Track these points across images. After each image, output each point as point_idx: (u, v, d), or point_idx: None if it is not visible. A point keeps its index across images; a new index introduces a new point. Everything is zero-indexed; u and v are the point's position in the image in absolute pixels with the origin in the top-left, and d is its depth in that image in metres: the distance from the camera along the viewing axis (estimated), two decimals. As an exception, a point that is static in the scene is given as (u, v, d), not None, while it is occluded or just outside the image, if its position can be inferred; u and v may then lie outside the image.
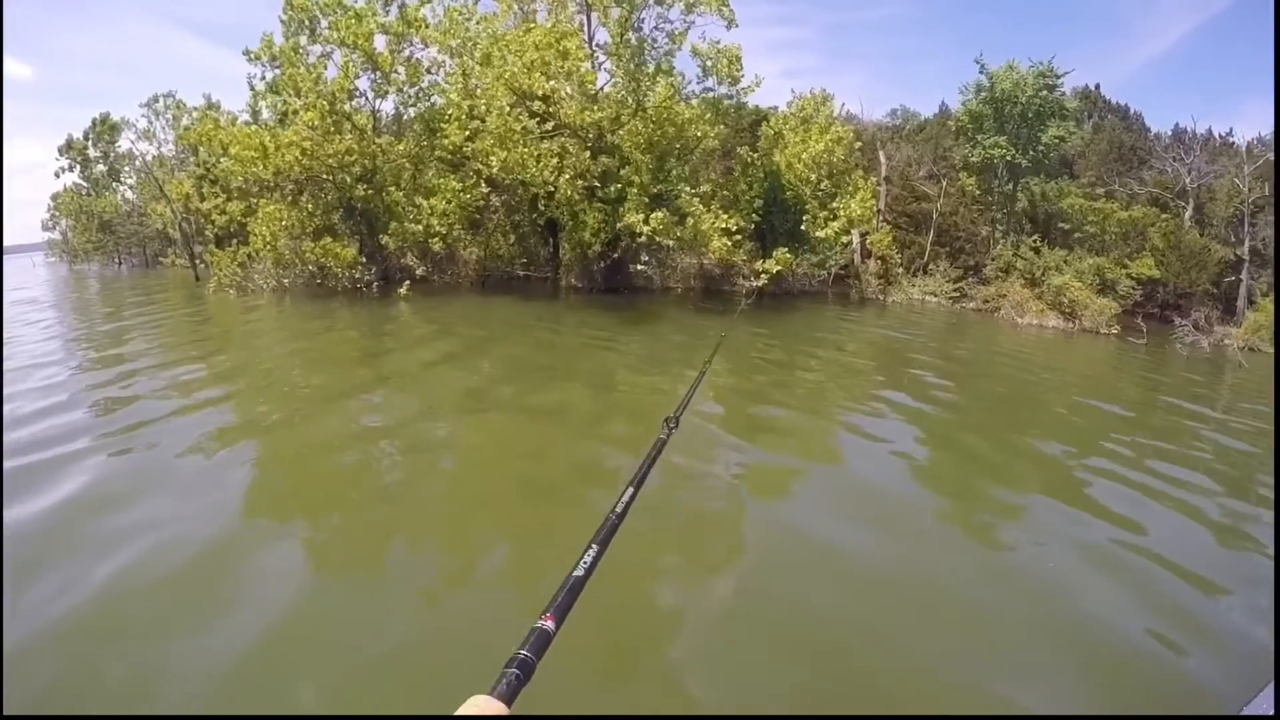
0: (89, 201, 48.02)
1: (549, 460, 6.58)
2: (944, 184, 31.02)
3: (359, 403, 7.61)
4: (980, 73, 27.92)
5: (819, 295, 26.46)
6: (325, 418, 7.42)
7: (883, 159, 31.23)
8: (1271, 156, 33.92)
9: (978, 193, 30.99)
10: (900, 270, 28.33)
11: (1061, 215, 31.11)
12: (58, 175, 47.31)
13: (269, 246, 22.29)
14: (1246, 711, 1.42)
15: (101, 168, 47.36)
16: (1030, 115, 27.43)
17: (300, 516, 5.35)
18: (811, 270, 26.56)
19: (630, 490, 1.76)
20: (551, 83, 18.72)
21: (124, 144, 45.17)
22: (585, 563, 1.39)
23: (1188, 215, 33.04)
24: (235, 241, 25.36)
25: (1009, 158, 27.68)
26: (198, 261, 31.63)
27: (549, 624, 1.18)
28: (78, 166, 47.22)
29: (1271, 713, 1.43)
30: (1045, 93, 27.23)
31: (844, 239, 24.95)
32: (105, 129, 45.63)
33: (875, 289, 27.08)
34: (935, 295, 26.82)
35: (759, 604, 4.35)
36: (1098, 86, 45.72)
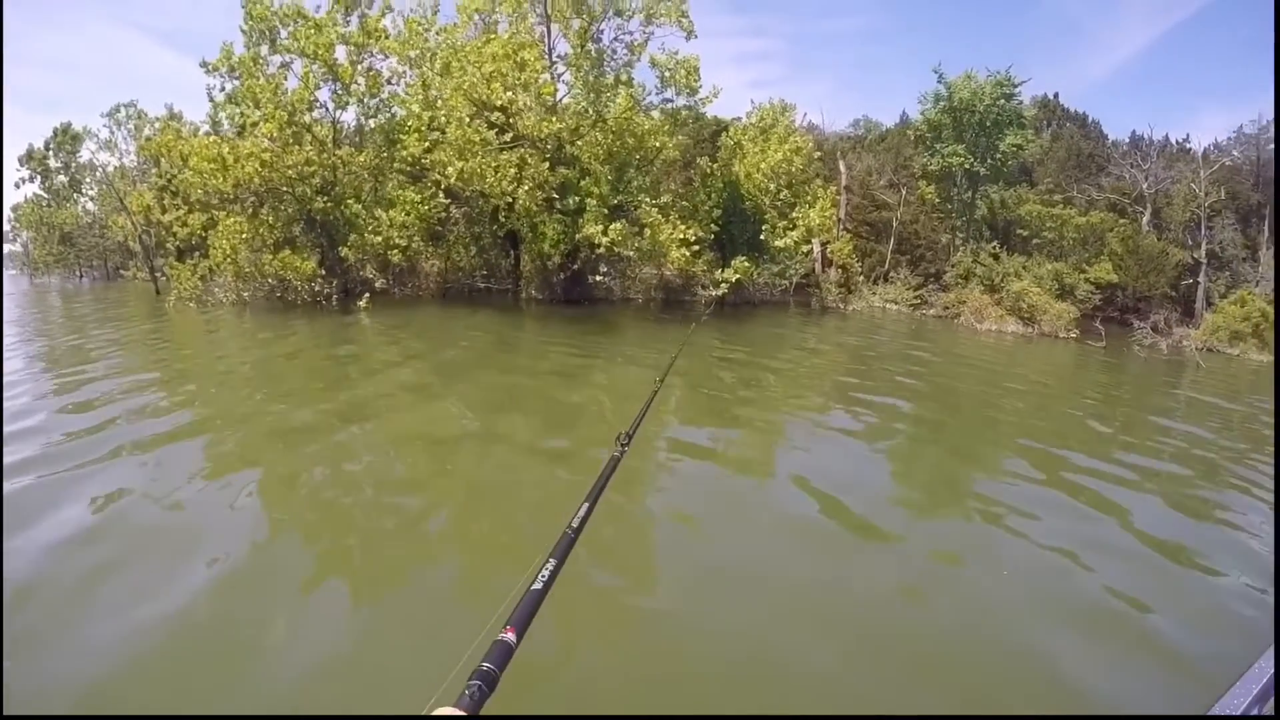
0: (50, 213, 47.29)
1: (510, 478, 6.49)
2: (904, 193, 31.40)
3: (321, 443, 7.37)
4: (938, 82, 28.33)
5: (780, 304, 26.66)
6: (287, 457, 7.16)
7: (843, 168, 31.55)
8: (1228, 161, 34.81)
9: (937, 201, 31.38)
10: (861, 279, 28.62)
11: (1020, 222, 31.59)
12: (18, 186, 46.60)
13: (229, 259, 22.07)
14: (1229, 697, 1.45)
15: (63, 178, 46.67)
16: (988, 124, 27.85)
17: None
18: (773, 280, 26.77)
19: (586, 506, 1.82)
20: (509, 93, 18.72)
21: (85, 154, 44.63)
22: (544, 576, 1.43)
23: (1145, 220, 33.66)
24: (196, 254, 25.06)
25: (967, 166, 28.08)
26: (158, 275, 31.24)
27: (510, 636, 1.22)
28: (38, 177, 46.51)
29: (1271, 712, 1.45)
30: (1003, 101, 27.67)
31: (804, 248, 25.17)
32: (67, 139, 45.03)
33: (836, 298, 27.31)
34: (896, 303, 27.13)
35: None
36: (1056, 95, 46.58)
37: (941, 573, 4.80)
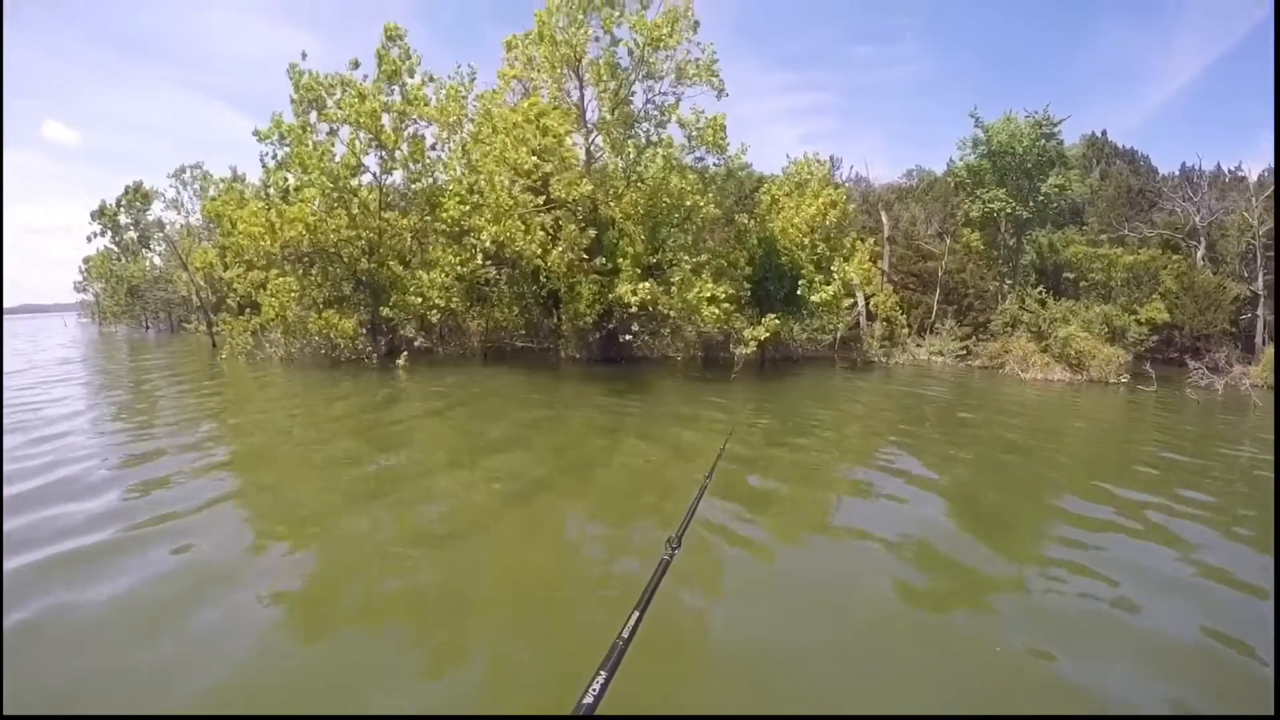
0: (119, 266, 49.56)
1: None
2: (948, 241, 31.01)
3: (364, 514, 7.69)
4: (976, 126, 28.01)
5: (823, 360, 26.44)
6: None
7: (885, 219, 31.33)
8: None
9: (982, 248, 30.88)
10: (905, 331, 28.24)
11: (1067, 265, 30.86)
12: (89, 239, 48.96)
13: (279, 317, 23.00)
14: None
15: (132, 234, 48.92)
16: (1029, 166, 27.40)
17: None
18: (815, 334, 26.62)
19: (636, 614, 1.77)
20: (535, 158, 19.16)
21: (154, 212, 46.81)
22: (594, 690, 1.42)
23: (1200, 255, 32.58)
24: (248, 311, 26.09)
25: (1009, 210, 27.62)
26: (215, 330, 32.48)
27: None
28: (109, 232, 48.83)
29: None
30: (1043, 141, 27.22)
31: (847, 302, 25.01)
32: (137, 197, 47.22)
33: (879, 351, 26.99)
34: (941, 354, 26.68)
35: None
36: (1104, 133, 45.63)
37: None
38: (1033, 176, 27.65)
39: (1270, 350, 25.18)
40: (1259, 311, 29.68)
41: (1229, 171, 39.07)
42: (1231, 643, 5.26)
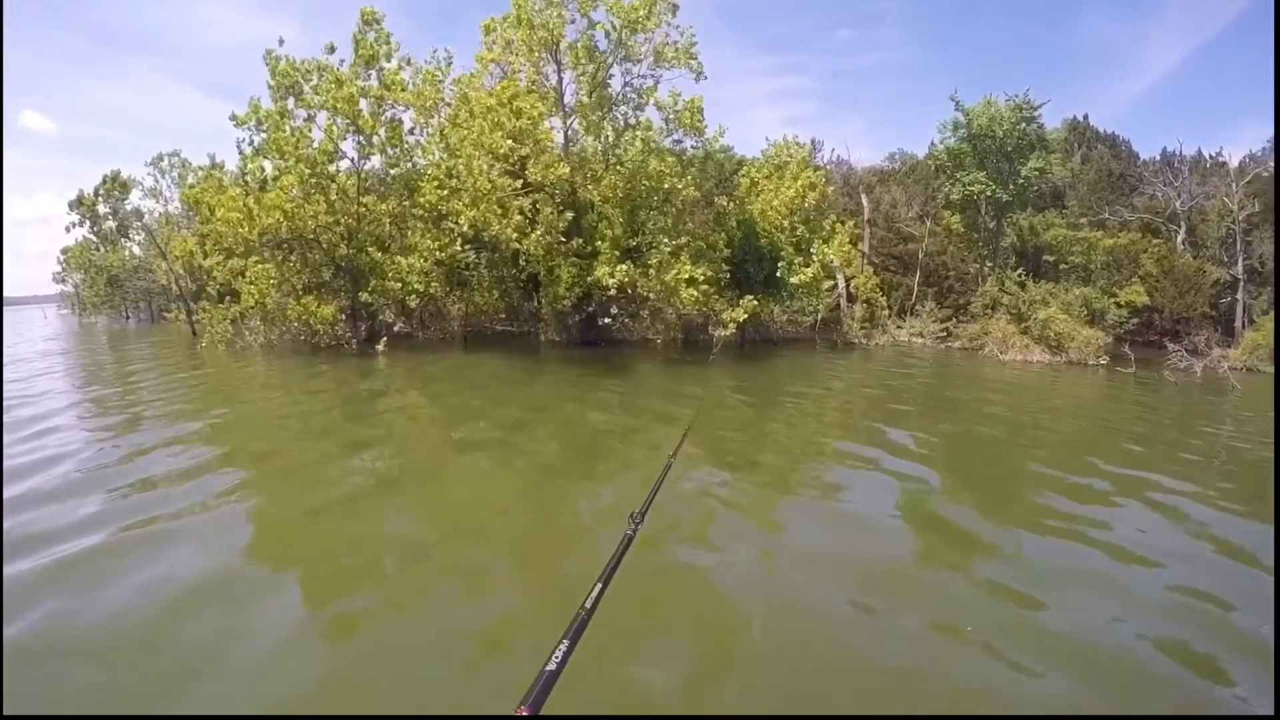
0: (98, 256, 49.00)
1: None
2: (929, 224, 31.07)
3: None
4: (956, 109, 28.04)
5: (804, 341, 26.51)
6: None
7: (865, 202, 31.36)
8: (1264, 172, 33.83)
9: (962, 230, 30.96)
10: (886, 312, 28.32)
11: (1048, 248, 31.00)
12: (68, 230, 48.23)
13: (258, 304, 22.81)
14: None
15: (111, 224, 48.31)
16: (1009, 149, 27.47)
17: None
18: (795, 316, 26.66)
19: (599, 586, 1.83)
20: (509, 142, 19.05)
21: (133, 201, 46.23)
22: (557, 657, 1.48)
23: (1180, 239, 32.78)
24: (227, 299, 25.87)
25: (989, 193, 27.69)
26: (195, 318, 32.21)
27: (524, 714, 1.27)
28: (87, 222, 48.20)
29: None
30: (1023, 125, 27.28)
31: (826, 284, 25.04)
32: (116, 186, 46.59)
33: (859, 332, 27.06)
34: (921, 336, 26.78)
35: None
36: (1086, 117, 45.66)
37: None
38: (1013, 160, 27.72)
39: (1249, 334, 25.39)
40: (1238, 295, 29.93)
41: (1210, 157, 39.19)
42: (1203, 595, 5.47)
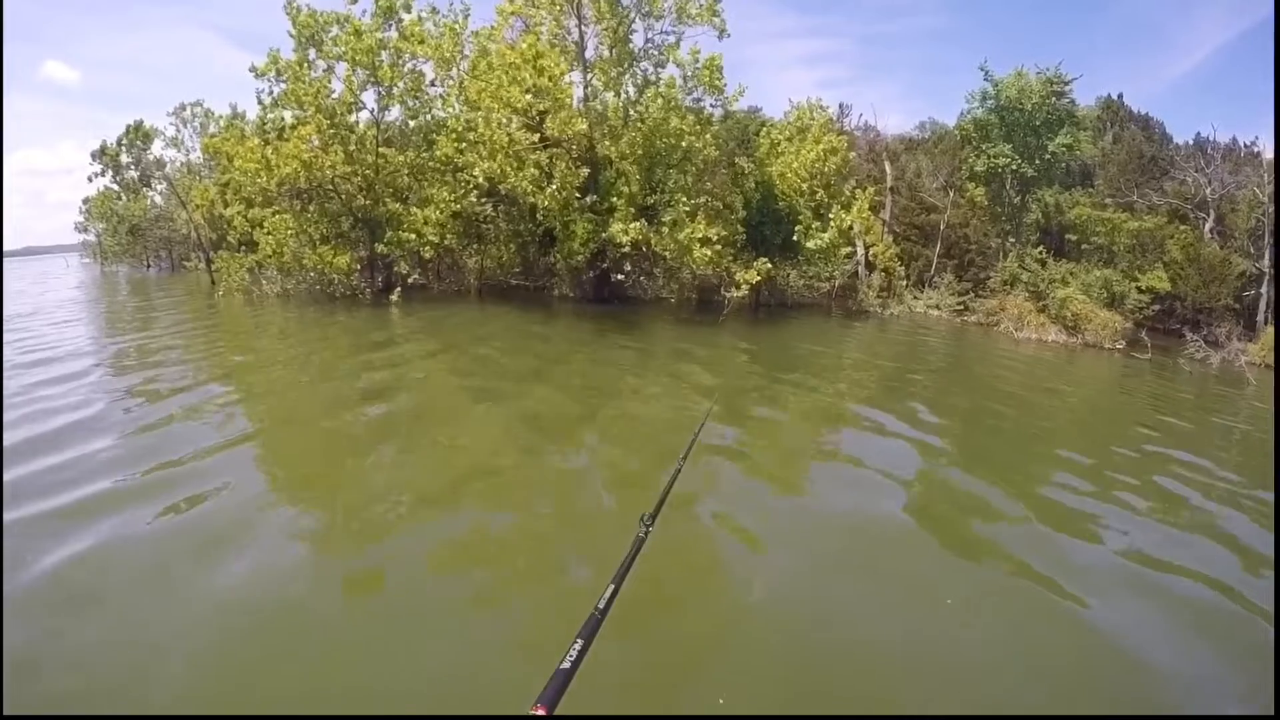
0: (120, 206, 49.33)
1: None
2: (952, 195, 30.62)
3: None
4: (985, 80, 27.49)
5: (819, 307, 26.29)
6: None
7: (889, 169, 30.90)
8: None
9: (985, 204, 30.47)
10: (904, 283, 28.01)
11: (1071, 227, 30.50)
12: (90, 180, 48.51)
13: (275, 253, 22.92)
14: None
15: (133, 173, 48.53)
16: (1037, 123, 26.92)
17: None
18: (812, 282, 26.41)
19: (612, 587, 1.89)
20: (528, 96, 18.88)
21: (155, 151, 46.40)
22: (571, 656, 1.54)
23: (1208, 227, 32.16)
24: (244, 248, 26.01)
25: (1015, 167, 27.18)
26: (213, 267, 32.43)
27: (540, 713, 1.31)
28: (109, 172, 48.45)
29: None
30: (1052, 99, 26.71)
31: (845, 250, 24.75)
32: (138, 136, 46.73)
33: (876, 301, 26.79)
34: (938, 308, 26.49)
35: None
36: (1120, 96, 44.67)
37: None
38: (1040, 134, 27.16)
39: (1270, 330, 24.91)
40: (1263, 289, 29.32)
41: (1245, 145, 38.31)
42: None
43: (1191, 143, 38.52)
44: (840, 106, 35.58)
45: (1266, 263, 29.46)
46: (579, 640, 1.59)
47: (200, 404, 8.94)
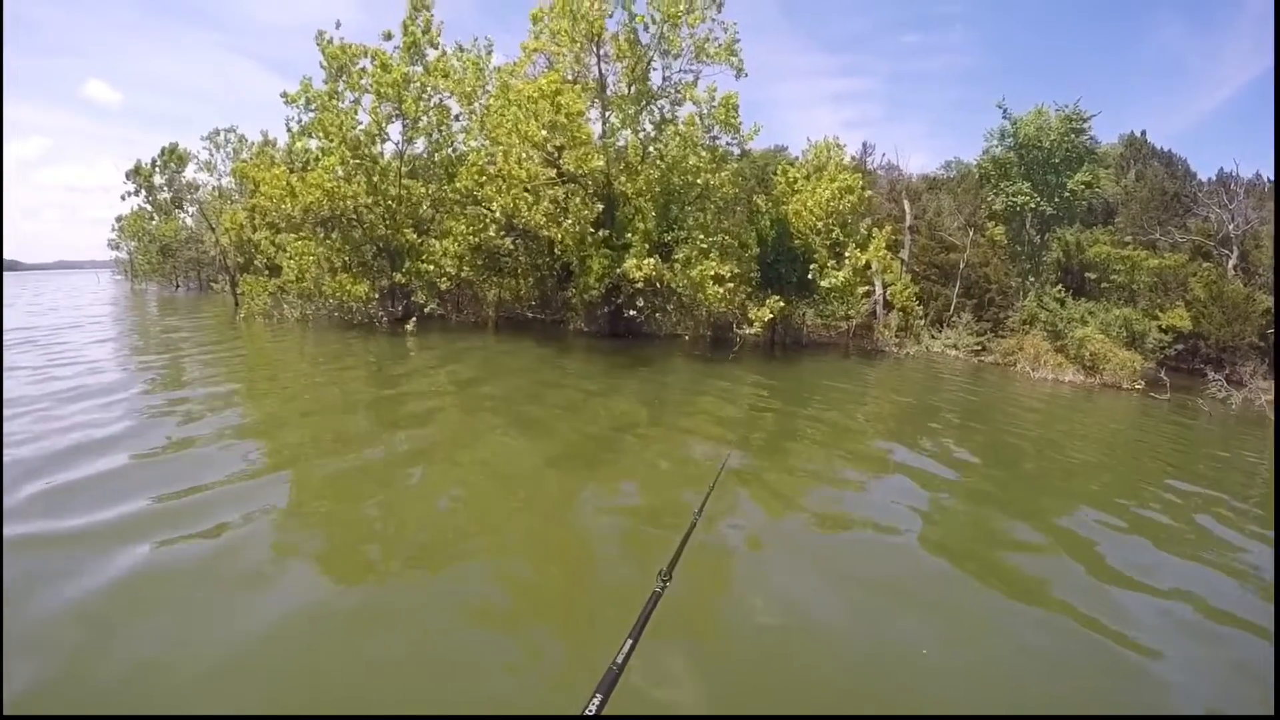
0: (152, 226, 50.48)
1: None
2: (971, 234, 30.54)
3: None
4: (1004, 118, 27.50)
5: (835, 346, 26.24)
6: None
7: (908, 208, 30.92)
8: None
9: (1005, 243, 30.37)
10: (921, 322, 27.91)
11: (1091, 265, 30.28)
12: (123, 199, 49.73)
13: (298, 279, 23.41)
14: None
15: (165, 195, 49.70)
16: (1056, 160, 26.85)
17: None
18: (830, 321, 26.40)
19: (630, 642, 1.96)
20: (544, 133, 19.19)
21: (189, 174, 47.54)
22: (591, 710, 1.64)
23: (1231, 264, 31.80)
24: (267, 273, 26.57)
25: (1034, 205, 27.10)
26: (238, 290, 33.07)
27: None
28: (143, 191, 49.62)
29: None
30: (1072, 136, 26.64)
31: (863, 289, 24.74)
32: (173, 158, 47.91)
33: (893, 341, 26.72)
34: (955, 348, 26.35)
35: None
36: (1143, 133, 44.55)
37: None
38: (1059, 171, 27.07)
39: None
40: (1288, 327, 28.80)
41: (1268, 180, 37.93)
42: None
43: (1215, 179, 38.25)
44: (864, 145, 35.93)
45: (1290, 299, 29.03)
46: (598, 695, 1.66)
47: (207, 434, 9.14)
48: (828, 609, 5.41)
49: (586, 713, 1.59)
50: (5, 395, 10.39)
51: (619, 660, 1.85)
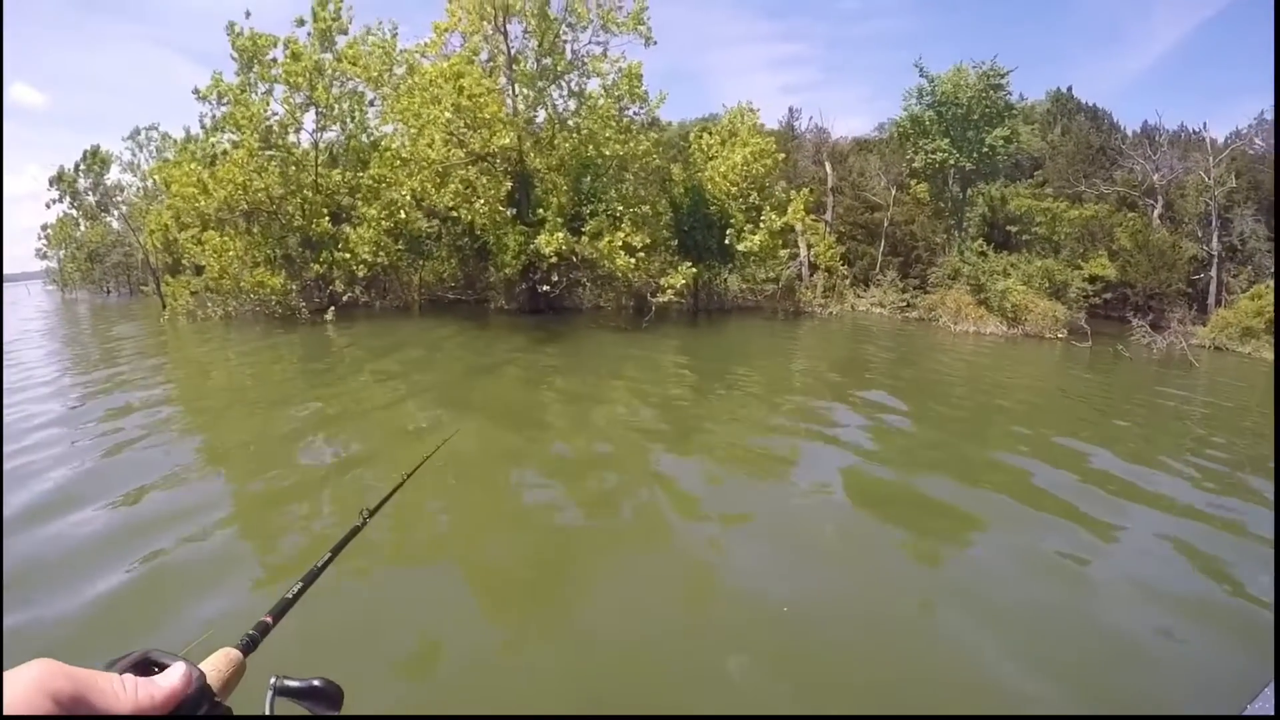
0: (79, 232, 49.04)
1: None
2: (894, 192, 30.73)
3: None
4: (920, 76, 27.64)
5: (760, 310, 26.32)
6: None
7: (829, 169, 31.03)
8: (1248, 148, 33.30)
9: (928, 200, 30.61)
10: (847, 282, 28.04)
11: (1013, 219, 30.61)
12: (48, 206, 48.12)
13: (222, 275, 22.82)
14: (1247, 712, 1.46)
15: (91, 199, 48.18)
16: (975, 117, 27.03)
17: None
18: (756, 285, 26.45)
19: (328, 555, 1.86)
20: (446, 114, 18.85)
21: (113, 175, 46.08)
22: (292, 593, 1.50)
23: (1156, 214, 32.35)
24: (188, 271, 25.94)
25: (952, 161, 27.30)
26: (163, 291, 32.30)
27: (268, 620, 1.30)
28: (67, 197, 48.05)
29: (1271, 713, 1.44)
30: (990, 92, 26.83)
31: (786, 252, 24.80)
32: (96, 161, 46.42)
33: (818, 301, 26.83)
34: (881, 306, 26.54)
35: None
36: (1070, 89, 45.11)
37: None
38: (978, 127, 27.28)
39: (1220, 312, 25.00)
40: (1213, 273, 29.47)
41: (1192, 131, 38.56)
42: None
43: (1139, 131, 38.79)
44: (790, 110, 35.91)
45: (1215, 245, 29.65)
46: (299, 582, 1.50)
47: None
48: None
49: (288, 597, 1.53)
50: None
51: (319, 565, 1.76)
